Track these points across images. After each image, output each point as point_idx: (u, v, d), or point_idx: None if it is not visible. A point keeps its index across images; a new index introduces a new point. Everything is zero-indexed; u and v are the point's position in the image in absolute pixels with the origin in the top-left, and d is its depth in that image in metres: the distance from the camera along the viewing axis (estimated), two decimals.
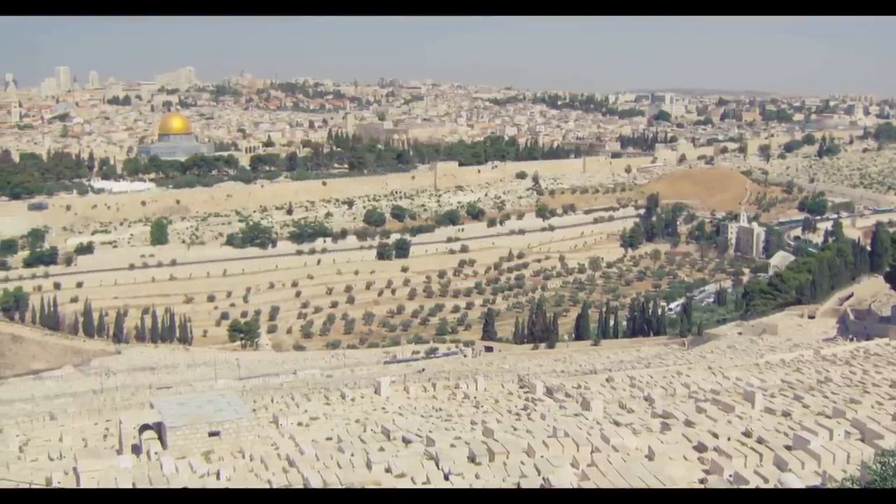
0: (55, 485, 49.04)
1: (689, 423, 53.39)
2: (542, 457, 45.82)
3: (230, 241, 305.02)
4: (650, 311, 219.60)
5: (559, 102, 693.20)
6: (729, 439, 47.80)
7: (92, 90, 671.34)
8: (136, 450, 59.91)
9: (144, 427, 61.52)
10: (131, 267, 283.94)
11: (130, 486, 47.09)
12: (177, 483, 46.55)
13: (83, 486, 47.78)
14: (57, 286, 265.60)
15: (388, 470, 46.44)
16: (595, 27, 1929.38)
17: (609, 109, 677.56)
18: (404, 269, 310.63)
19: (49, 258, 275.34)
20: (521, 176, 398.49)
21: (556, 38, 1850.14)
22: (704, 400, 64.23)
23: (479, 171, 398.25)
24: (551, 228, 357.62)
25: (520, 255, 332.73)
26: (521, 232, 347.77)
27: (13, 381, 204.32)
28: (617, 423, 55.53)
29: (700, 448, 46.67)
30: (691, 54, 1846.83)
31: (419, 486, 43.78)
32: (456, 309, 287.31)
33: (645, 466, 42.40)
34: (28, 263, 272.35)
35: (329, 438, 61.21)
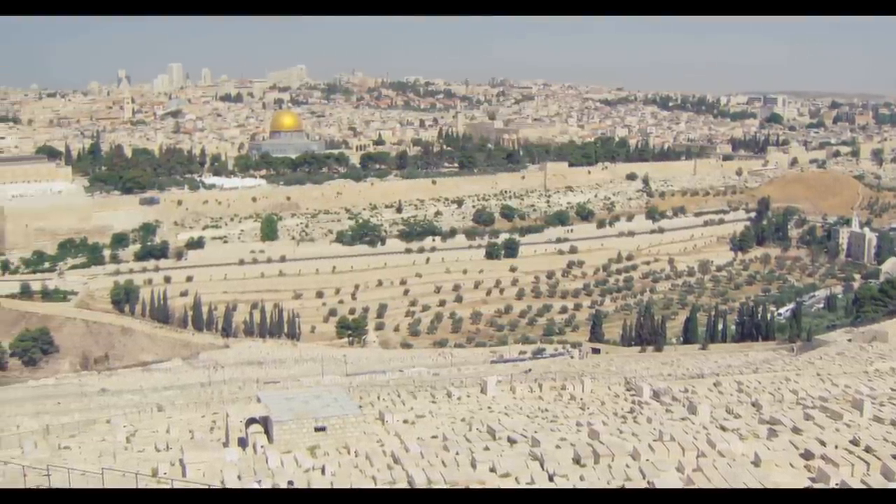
0: (161, 476, 49.71)
1: (796, 430, 53.06)
2: (647, 460, 45.80)
3: (340, 238, 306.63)
4: (759, 315, 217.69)
5: (670, 104, 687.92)
6: (836, 447, 47.43)
7: (204, 87, 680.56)
8: (243, 443, 60.81)
9: (251, 421, 62.46)
10: (241, 262, 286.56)
11: (236, 478, 47.71)
12: (282, 477, 47.04)
13: (189, 477, 48.48)
14: (167, 280, 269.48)
15: (492, 469, 46.65)
16: (707, 28, 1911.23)
17: (720, 111, 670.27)
18: (513, 269, 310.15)
19: (160, 252, 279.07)
20: (632, 177, 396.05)
21: (667, 38, 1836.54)
22: (812, 407, 63.76)
23: (588, 172, 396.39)
24: (661, 230, 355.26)
25: (629, 257, 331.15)
26: (631, 234, 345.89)
27: (122, 372, 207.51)
28: (723, 428, 55.35)
29: (807, 455, 46.38)
30: (804, 56, 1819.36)
31: (523, 486, 43.90)
32: (564, 310, 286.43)
33: (751, 473, 42.25)
34: (139, 257, 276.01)
35: (435, 436, 61.54)
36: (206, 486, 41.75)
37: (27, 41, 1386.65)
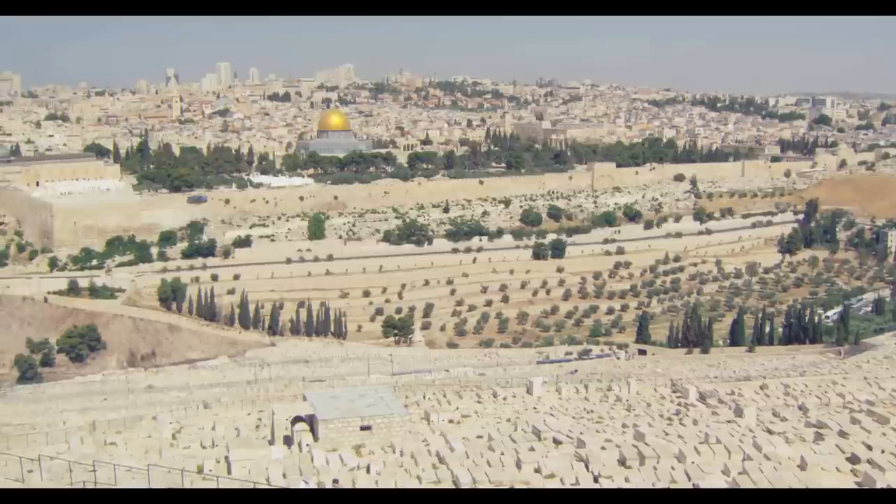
0: (206, 473, 49.89)
1: (842, 434, 52.72)
2: (692, 462, 45.67)
3: (387, 237, 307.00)
4: (806, 318, 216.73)
5: (718, 105, 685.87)
6: (883, 452, 47.10)
7: (252, 86, 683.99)
8: (288, 441, 61.07)
9: (297, 419, 62.72)
10: (288, 261, 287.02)
11: (281, 476, 47.82)
12: (327, 476, 47.13)
13: (235, 475, 48.68)
14: (214, 278, 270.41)
15: (537, 470, 46.60)
16: (756, 29, 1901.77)
17: (769, 113, 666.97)
18: (559, 270, 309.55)
19: (207, 250, 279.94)
20: (679, 178, 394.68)
21: (716, 38, 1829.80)
22: (859, 411, 63.34)
23: (636, 173, 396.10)
24: (708, 232, 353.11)
25: (676, 259, 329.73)
26: (678, 235, 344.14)
27: (169, 369, 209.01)
28: (770, 432, 55.08)
29: (853, 460, 46.08)
30: (853, 57, 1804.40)
31: (568, 486, 43.83)
32: (610, 311, 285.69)
33: (797, 476, 42.04)
34: (186, 255, 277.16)
35: (480, 436, 61.54)
36: (252, 485, 41.91)
37: (76, 40, 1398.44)
